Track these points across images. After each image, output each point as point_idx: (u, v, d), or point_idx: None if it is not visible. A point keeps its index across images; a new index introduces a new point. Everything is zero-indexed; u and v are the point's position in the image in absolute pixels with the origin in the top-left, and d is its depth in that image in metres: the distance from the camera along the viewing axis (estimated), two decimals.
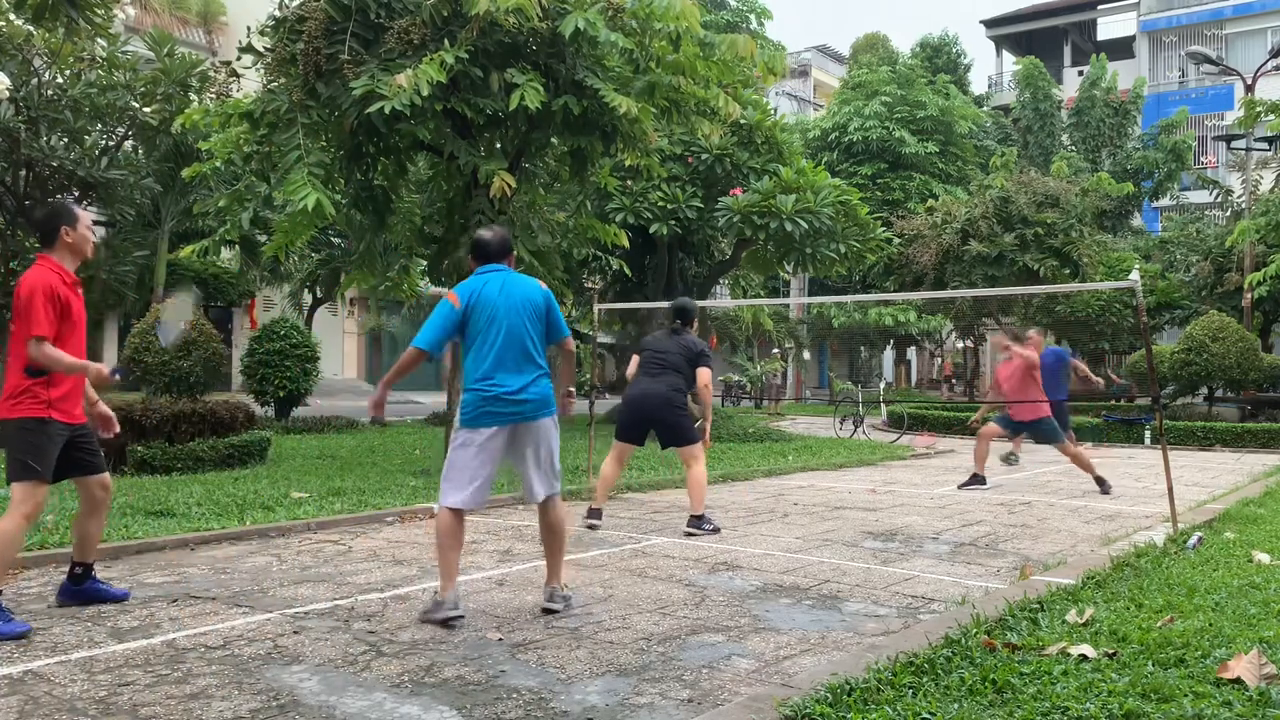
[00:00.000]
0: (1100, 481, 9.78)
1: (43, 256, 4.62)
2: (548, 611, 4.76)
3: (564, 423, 5.81)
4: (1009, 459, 11.94)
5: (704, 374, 7.30)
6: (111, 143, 13.49)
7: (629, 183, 15.52)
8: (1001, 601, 4.57)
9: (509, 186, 8.81)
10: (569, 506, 8.46)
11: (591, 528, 7.21)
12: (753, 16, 29.92)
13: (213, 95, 12.57)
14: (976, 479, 10.28)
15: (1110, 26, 40.99)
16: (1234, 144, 22.45)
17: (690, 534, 7.03)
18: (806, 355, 37.21)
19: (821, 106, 42.19)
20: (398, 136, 9.30)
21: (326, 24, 8.44)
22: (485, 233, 5.08)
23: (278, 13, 8.96)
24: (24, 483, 4.39)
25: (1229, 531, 6.75)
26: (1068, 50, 41.20)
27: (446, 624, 4.47)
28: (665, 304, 14.77)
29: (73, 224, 4.65)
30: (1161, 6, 37.74)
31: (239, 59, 9.39)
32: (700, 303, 16.06)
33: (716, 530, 7.15)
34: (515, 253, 5.31)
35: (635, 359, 7.61)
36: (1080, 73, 36.48)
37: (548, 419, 4.82)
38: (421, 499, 8.08)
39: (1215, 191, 25.55)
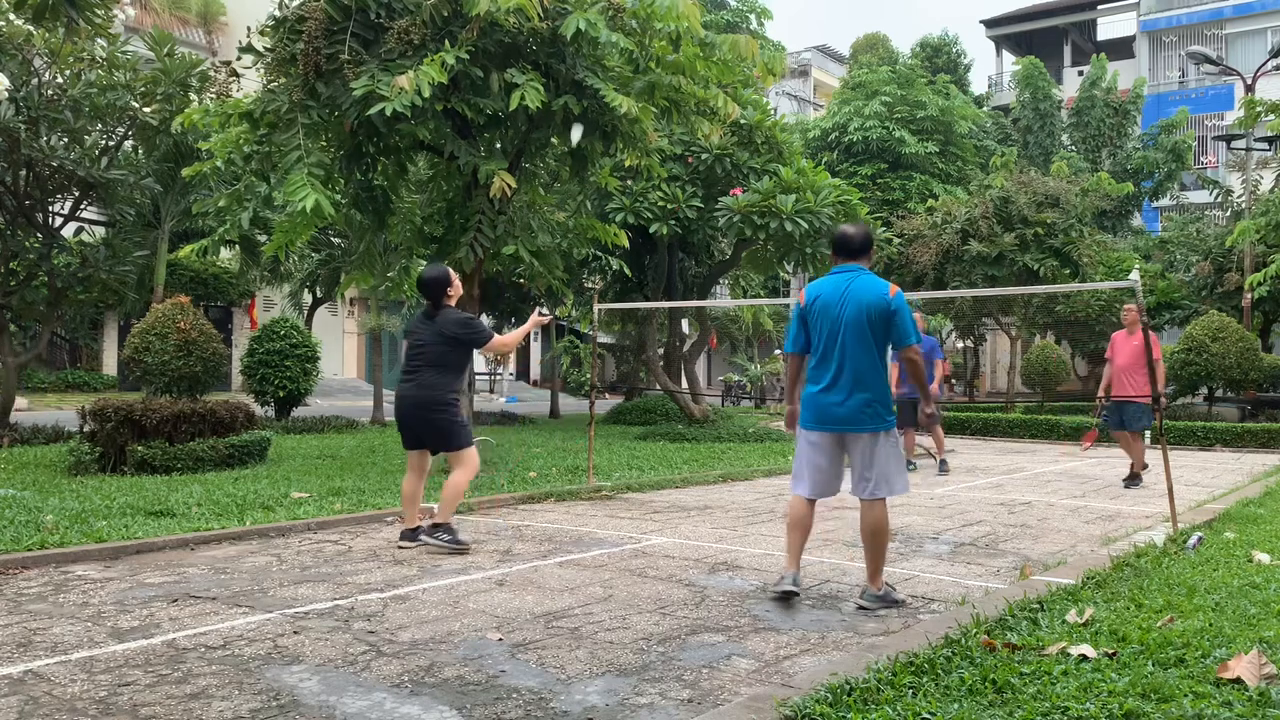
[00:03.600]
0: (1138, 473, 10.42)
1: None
2: (859, 607, 4.96)
3: (567, 421, 5.89)
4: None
5: (494, 344, 6.48)
6: (111, 143, 13.47)
7: (629, 183, 15.52)
8: (1001, 601, 4.57)
9: (509, 186, 8.82)
10: (571, 506, 8.49)
11: (402, 548, 6.31)
12: (753, 16, 29.95)
13: (213, 95, 12.56)
14: (1136, 477, 10.48)
15: (1110, 26, 40.99)
16: (1234, 144, 22.45)
17: (424, 542, 6.26)
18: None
19: (821, 106, 42.19)
20: (398, 136, 9.31)
21: (326, 24, 8.44)
22: (848, 228, 5.12)
23: (278, 13, 8.96)
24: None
25: (1229, 531, 6.75)
26: (1068, 50, 41.19)
27: (781, 597, 4.97)
28: (665, 304, 14.89)
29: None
30: (1161, 6, 37.74)
31: (239, 59, 9.39)
32: (700, 303, 16.15)
33: (460, 547, 6.21)
34: (871, 251, 5.12)
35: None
36: (1080, 73, 36.47)
37: (867, 434, 4.87)
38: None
39: (1215, 191, 25.55)
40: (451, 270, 6.62)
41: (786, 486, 10.25)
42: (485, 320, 25.61)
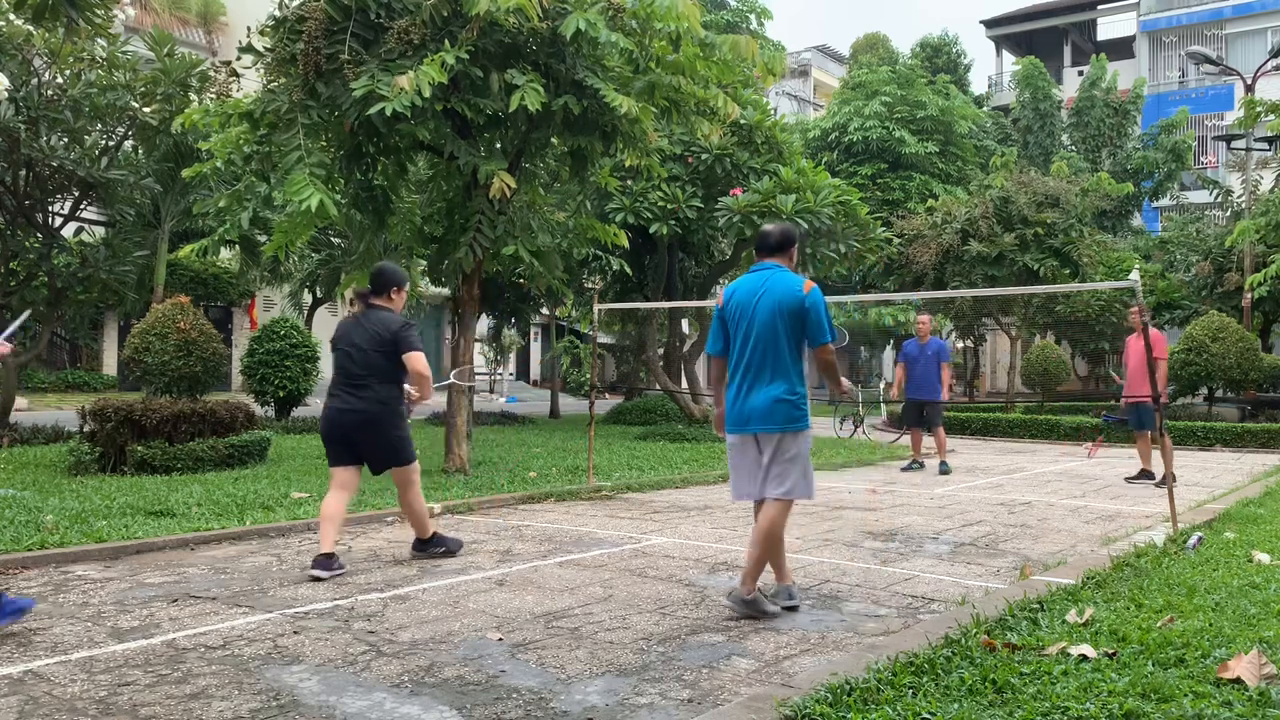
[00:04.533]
0: (1146, 475, 10.64)
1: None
2: (728, 601, 4.76)
3: (567, 421, 5.76)
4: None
5: (416, 359, 5.61)
6: (111, 143, 13.47)
7: (629, 183, 15.52)
8: (1001, 601, 4.57)
9: (509, 186, 8.82)
10: (571, 506, 8.49)
11: (315, 579, 5.38)
12: (753, 16, 29.94)
13: (213, 95, 12.57)
14: (1145, 474, 10.66)
15: (1110, 26, 41.04)
16: (1234, 144, 22.45)
17: (416, 556, 6.05)
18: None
19: (821, 106, 42.21)
20: (398, 136, 9.31)
21: (326, 24, 8.44)
22: (769, 226, 5.01)
23: (278, 13, 8.96)
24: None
25: (1229, 531, 6.75)
26: (1068, 50, 41.22)
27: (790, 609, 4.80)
28: (665, 304, 14.89)
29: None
30: (1161, 6, 37.75)
31: (239, 59, 9.39)
32: (701, 303, 16.17)
33: (456, 548, 6.11)
34: (794, 247, 4.99)
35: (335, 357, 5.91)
36: (1080, 73, 36.49)
37: (777, 433, 4.68)
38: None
39: (1215, 191, 25.56)
40: (408, 282, 6.03)
41: None
42: (484, 321, 25.60)
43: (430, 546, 6.07)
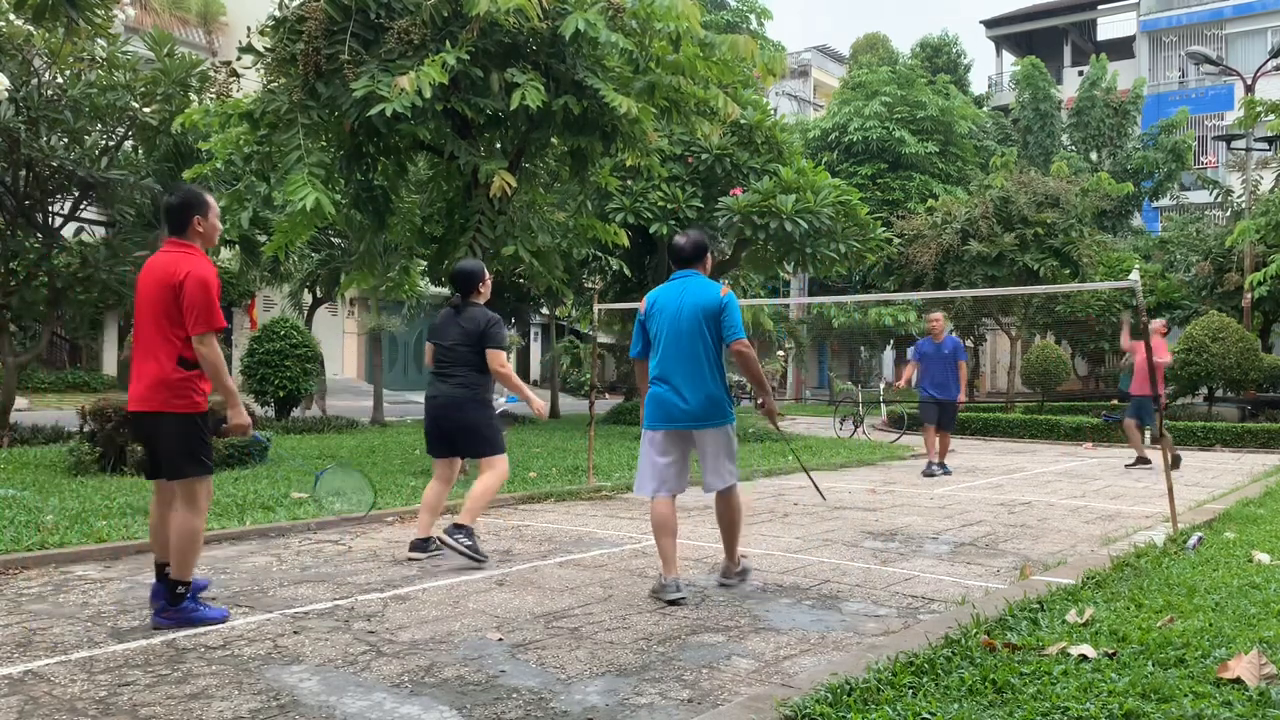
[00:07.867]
0: (1144, 462, 11.34)
1: (189, 245, 4.55)
2: (722, 585, 5.33)
3: (566, 421, 5.90)
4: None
5: (496, 356, 5.94)
6: (111, 143, 13.47)
7: (629, 183, 15.53)
8: (1001, 601, 4.57)
9: (509, 186, 8.82)
10: (571, 506, 8.49)
11: (413, 560, 5.97)
12: (753, 16, 29.94)
13: (213, 95, 12.56)
14: (1142, 461, 11.27)
15: (1110, 26, 40.99)
16: (1234, 144, 22.45)
17: (443, 541, 5.83)
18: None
19: (821, 106, 42.20)
20: (398, 136, 9.32)
21: (326, 24, 8.45)
22: (679, 238, 5.38)
23: (278, 13, 8.97)
24: (205, 478, 4.56)
25: (1229, 531, 6.76)
26: (1068, 50, 41.19)
27: (672, 604, 4.95)
28: None
29: (205, 213, 4.61)
30: (1161, 6, 37.74)
31: (239, 59, 9.40)
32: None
33: (478, 558, 5.80)
34: (709, 254, 5.42)
35: (429, 349, 6.22)
36: (1080, 73, 36.46)
37: (712, 429, 5.10)
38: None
39: (1215, 191, 25.55)
40: (487, 270, 6.29)
41: (787, 486, 10.29)
42: None
43: (459, 535, 5.76)
